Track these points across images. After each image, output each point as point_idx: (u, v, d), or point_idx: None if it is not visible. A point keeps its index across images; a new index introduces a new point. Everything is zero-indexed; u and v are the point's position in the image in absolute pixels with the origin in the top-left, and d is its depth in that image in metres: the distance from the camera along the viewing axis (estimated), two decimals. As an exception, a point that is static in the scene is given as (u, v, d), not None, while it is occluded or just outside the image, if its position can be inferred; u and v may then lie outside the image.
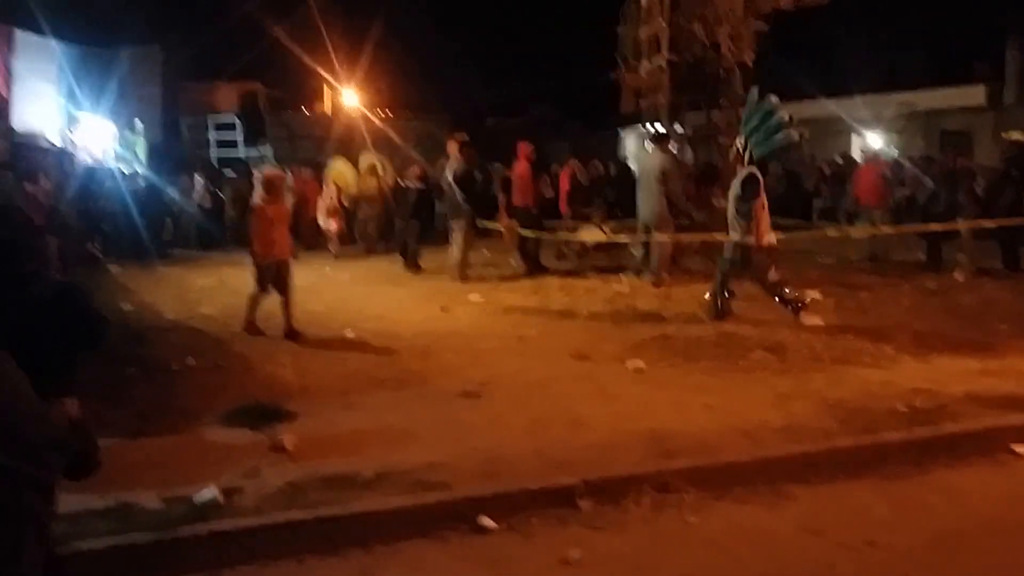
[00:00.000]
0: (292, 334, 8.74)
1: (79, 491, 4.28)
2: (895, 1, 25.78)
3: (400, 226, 13.31)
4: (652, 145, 12.01)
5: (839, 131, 24.63)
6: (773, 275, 9.08)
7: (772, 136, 9.10)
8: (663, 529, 4.66)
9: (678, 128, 12.92)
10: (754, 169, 9.09)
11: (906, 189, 15.15)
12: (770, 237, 9.18)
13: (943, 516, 4.83)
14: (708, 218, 12.50)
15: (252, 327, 8.94)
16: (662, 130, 12.38)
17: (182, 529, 4.42)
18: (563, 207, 15.68)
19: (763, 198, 9.08)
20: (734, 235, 9.19)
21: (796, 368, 7.29)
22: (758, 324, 8.82)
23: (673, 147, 12.39)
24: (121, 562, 4.23)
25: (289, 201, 16.16)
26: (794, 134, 9.23)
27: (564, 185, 15.69)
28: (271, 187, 9.01)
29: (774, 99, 9.10)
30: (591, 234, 13.57)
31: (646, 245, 11.66)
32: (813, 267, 12.76)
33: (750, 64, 12.12)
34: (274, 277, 8.87)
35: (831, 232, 13.71)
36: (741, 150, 9.19)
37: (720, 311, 9.24)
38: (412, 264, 13.41)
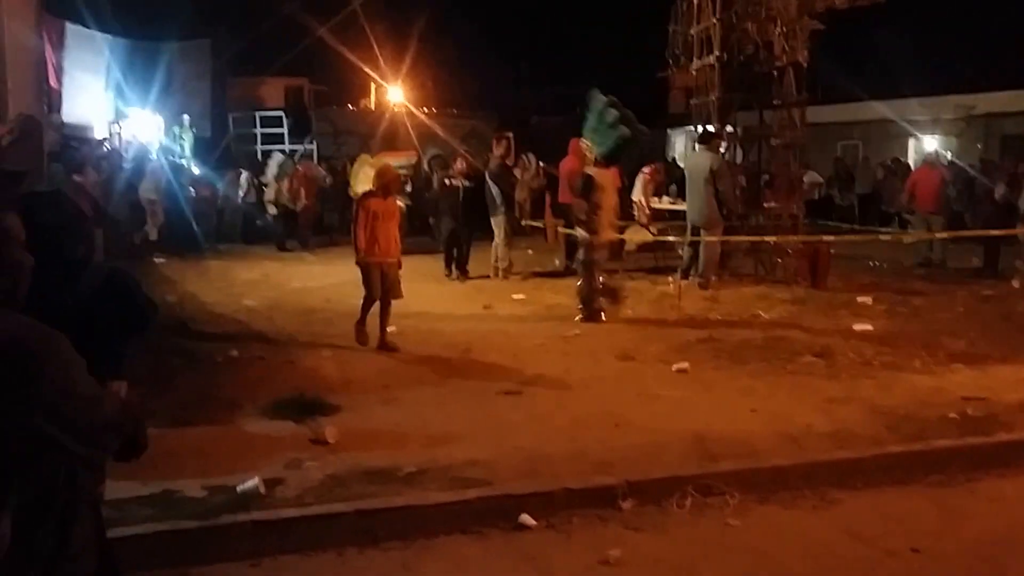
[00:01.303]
0: (384, 346, 8.03)
1: (125, 477, 4.36)
2: (953, 1, 25.23)
3: (448, 227, 12.93)
4: (701, 145, 11.88)
5: (895, 134, 24.17)
6: (598, 280, 9.37)
7: (609, 133, 9.36)
8: (705, 532, 4.60)
9: (728, 128, 12.70)
10: (591, 170, 9.39)
11: (963, 194, 14.85)
12: (610, 235, 9.56)
13: (992, 525, 4.71)
14: (758, 220, 12.35)
15: (360, 333, 8.14)
16: (711, 129, 12.21)
17: (224, 517, 4.46)
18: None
19: (605, 197, 9.26)
20: (580, 233, 9.48)
21: (845, 373, 7.16)
22: (807, 329, 8.68)
23: (722, 147, 12.23)
24: (165, 548, 4.27)
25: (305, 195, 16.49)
26: (625, 130, 9.41)
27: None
28: (379, 180, 8.22)
29: (603, 97, 9.43)
30: (638, 234, 13.46)
31: (694, 246, 11.52)
32: (865, 271, 12.54)
33: (804, 63, 11.89)
34: (379, 280, 8.05)
35: (884, 236, 13.47)
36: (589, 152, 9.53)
37: (591, 311, 9.25)
38: (461, 271, 12.70)
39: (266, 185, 16.81)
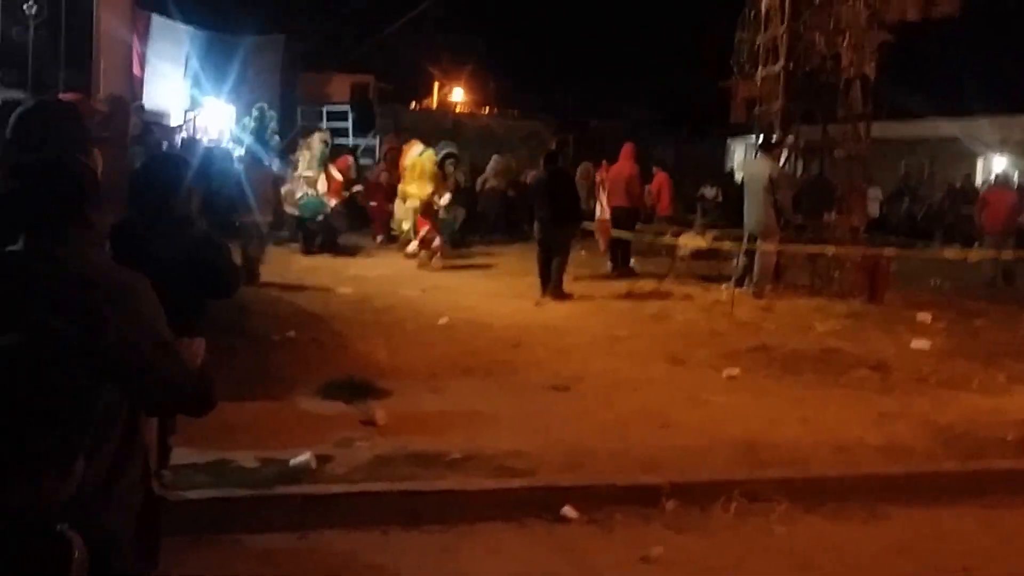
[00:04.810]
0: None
1: (183, 445, 4.52)
2: None
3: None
4: (761, 153, 11.78)
5: (962, 153, 23.65)
6: None
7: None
8: (748, 537, 4.57)
9: (790, 138, 12.58)
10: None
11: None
12: None
13: (1048, 550, 4.60)
14: (816, 232, 12.21)
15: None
16: (773, 138, 12.10)
17: (276, 488, 4.59)
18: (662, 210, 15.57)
19: None
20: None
21: (900, 389, 7.05)
22: (862, 343, 8.56)
23: (783, 157, 12.12)
24: (218, 513, 4.42)
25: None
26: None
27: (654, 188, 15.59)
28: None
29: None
30: (692, 240, 13.40)
31: (749, 255, 11.42)
32: (926, 289, 12.31)
33: (871, 76, 11.71)
34: None
35: (948, 254, 13.21)
36: None
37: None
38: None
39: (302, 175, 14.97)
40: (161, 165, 3.56)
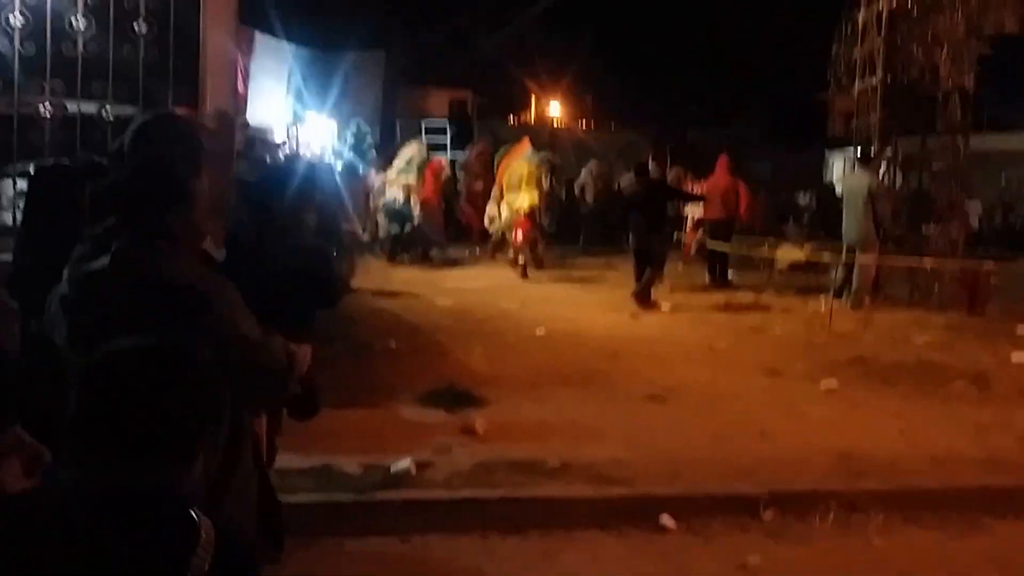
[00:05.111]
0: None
1: (288, 451, 4.70)
2: None
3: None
4: (860, 165, 11.63)
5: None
6: None
7: None
8: (846, 547, 4.55)
9: (888, 151, 12.42)
10: None
11: None
12: None
13: None
14: (916, 244, 11.99)
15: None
16: (871, 151, 11.99)
17: (378, 494, 4.74)
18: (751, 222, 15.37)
19: None
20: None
21: (999, 401, 6.87)
22: (962, 355, 8.33)
23: (881, 169, 11.96)
24: (322, 518, 4.56)
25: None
26: None
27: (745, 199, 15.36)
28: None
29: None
30: (789, 252, 13.25)
31: (848, 267, 11.25)
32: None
33: (969, 89, 11.51)
34: None
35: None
36: None
37: None
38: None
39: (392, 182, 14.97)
40: (277, 177, 3.75)
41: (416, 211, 14.78)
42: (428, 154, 15.40)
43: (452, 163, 20.66)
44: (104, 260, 2.19)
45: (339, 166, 16.15)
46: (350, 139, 21.50)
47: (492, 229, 14.99)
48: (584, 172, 19.23)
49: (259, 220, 3.61)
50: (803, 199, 21.09)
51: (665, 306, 10.93)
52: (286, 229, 3.50)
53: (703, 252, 14.46)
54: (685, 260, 14.34)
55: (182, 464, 1.57)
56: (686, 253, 14.89)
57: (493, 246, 15.48)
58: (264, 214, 3.62)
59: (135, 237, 2.21)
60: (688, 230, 15.34)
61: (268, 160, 12.39)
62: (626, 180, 16.52)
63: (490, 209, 15.02)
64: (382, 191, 15.22)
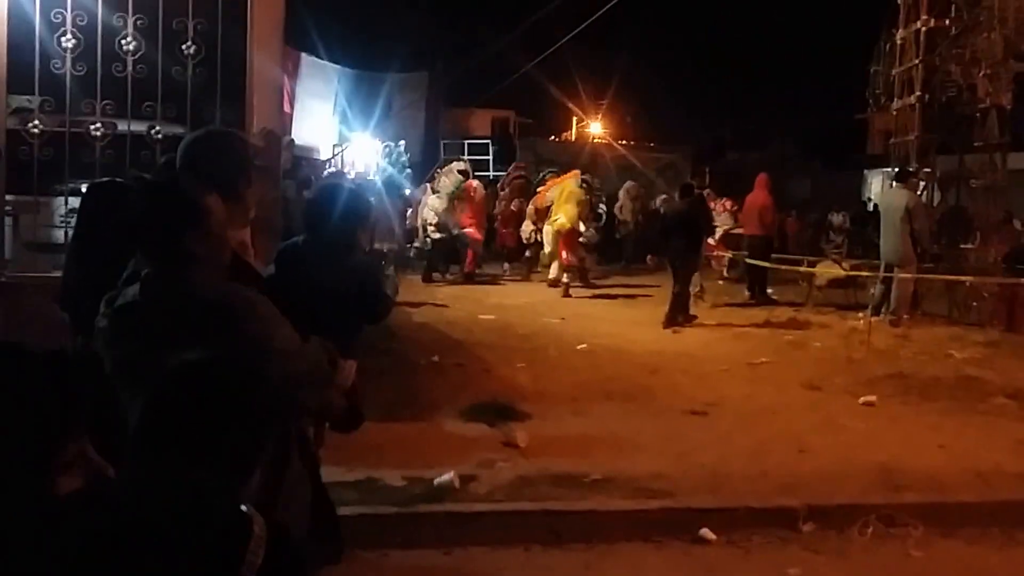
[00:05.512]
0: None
1: (332, 464, 4.81)
2: None
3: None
4: (898, 182, 11.62)
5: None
6: None
7: None
8: (885, 560, 4.57)
9: (926, 169, 12.43)
10: None
11: None
12: None
13: None
14: (954, 261, 11.96)
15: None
16: (909, 169, 11.99)
17: (421, 506, 4.81)
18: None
19: None
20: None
21: (1039, 417, 6.82)
22: (1001, 371, 8.29)
23: (919, 186, 11.94)
24: (366, 530, 4.61)
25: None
26: None
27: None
28: None
29: None
30: (829, 269, 13.25)
31: (886, 283, 11.23)
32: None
33: (1007, 107, 11.49)
34: None
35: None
36: None
37: None
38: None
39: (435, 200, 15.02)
40: (326, 196, 3.86)
41: (455, 232, 14.95)
42: (460, 183, 15.24)
43: (495, 179, 20.87)
44: (134, 290, 2.27)
45: (381, 184, 16.44)
46: (390, 158, 21.82)
47: (528, 246, 15.22)
48: (622, 193, 19.30)
49: (308, 238, 3.73)
50: (837, 218, 21.02)
51: (705, 321, 10.93)
52: (335, 246, 3.61)
53: (734, 270, 14.51)
54: (718, 273, 14.31)
55: (241, 476, 1.63)
56: (715, 263, 14.91)
57: (529, 265, 15.65)
58: (313, 232, 3.73)
59: (159, 265, 2.28)
60: (715, 241, 15.30)
61: (314, 179, 12.62)
62: (663, 200, 16.62)
63: (525, 227, 15.21)
64: (423, 210, 15.43)
